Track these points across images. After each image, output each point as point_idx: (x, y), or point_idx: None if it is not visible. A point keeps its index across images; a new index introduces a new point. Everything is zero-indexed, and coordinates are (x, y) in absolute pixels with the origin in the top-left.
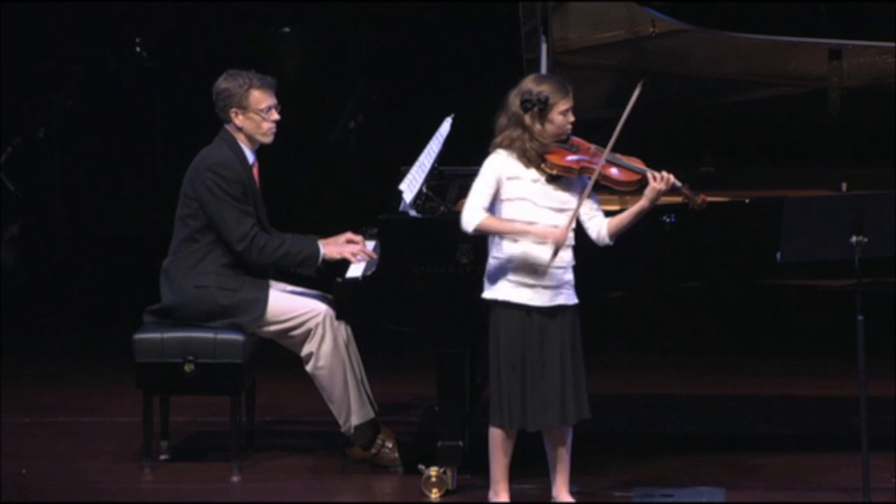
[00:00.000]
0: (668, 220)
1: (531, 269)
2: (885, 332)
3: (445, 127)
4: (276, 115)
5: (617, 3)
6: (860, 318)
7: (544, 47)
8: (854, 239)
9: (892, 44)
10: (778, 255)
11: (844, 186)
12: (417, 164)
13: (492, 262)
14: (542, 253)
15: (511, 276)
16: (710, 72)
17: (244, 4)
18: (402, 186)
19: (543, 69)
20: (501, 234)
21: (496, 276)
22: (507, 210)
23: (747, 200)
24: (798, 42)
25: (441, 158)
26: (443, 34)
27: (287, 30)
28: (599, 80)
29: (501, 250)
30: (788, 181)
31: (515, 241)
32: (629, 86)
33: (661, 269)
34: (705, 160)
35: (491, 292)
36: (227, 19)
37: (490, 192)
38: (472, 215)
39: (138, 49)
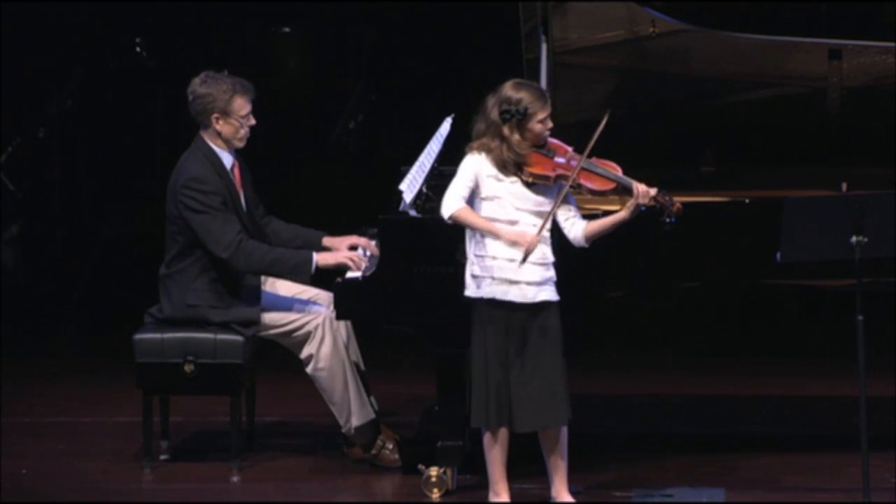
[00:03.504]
0: (668, 220)
1: (513, 267)
2: (885, 332)
3: (445, 127)
4: (252, 121)
5: (617, 3)
6: (860, 318)
7: (544, 47)
8: (854, 239)
9: (892, 44)
10: (778, 255)
11: (844, 186)
12: (417, 164)
13: (474, 260)
14: (518, 252)
15: (495, 274)
16: (710, 72)
17: (244, 4)
18: (402, 186)
19: (543, 69)
20: (473, 229)
21: (479, 275)
22: (485, 208)
23: (747, 200)
24: (798, 42)
25: (441, 158)
26: (443, 34)
27: (287, 30)
28: (599, 80)
29: (483, 248)
30: (788, 181)
31: (496, 237)
32: (629, 86)
33: (661, 269)
34: (705, 160)
35: (474, 291)
36: (227, 19)
37: (469, 185)
38: (451, 202)
39: (138, 49)
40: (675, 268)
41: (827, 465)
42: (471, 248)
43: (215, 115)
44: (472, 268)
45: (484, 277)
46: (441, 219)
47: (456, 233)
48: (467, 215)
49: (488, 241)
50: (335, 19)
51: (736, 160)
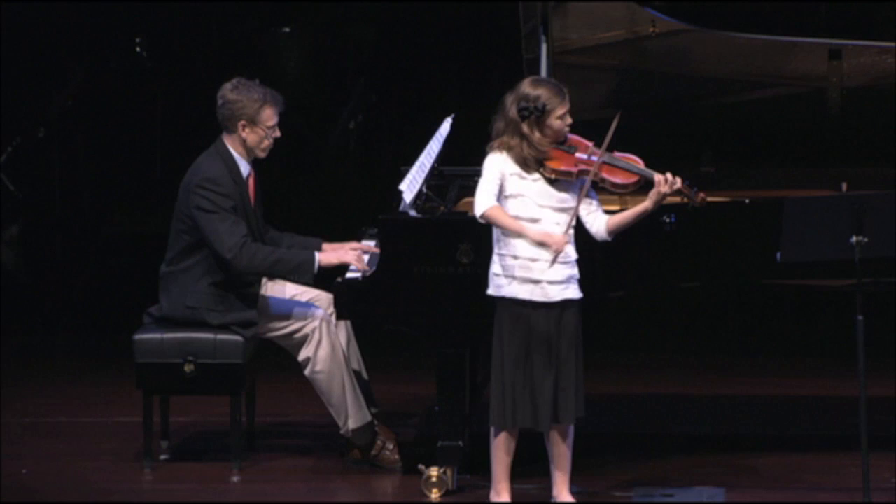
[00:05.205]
0: (668, 220)
1: (537, 266)
2: (885, 332)
3: (445, 127)
4: (278, 133)
5: (617, 3)
6: (860, 318)
7: (544, 47)
8: (854, 239)
9: (892, 44)
10: (778, 255)
11: (844, 186)
12: (417, 164)
13: (497, 258)
14: (545, 252)
15: (518, 273)
16: (710, 72)
17: (244, 4)
18: (402, 186)
19: (543, 69)
20: (502, 228)
21: (503, 273)
22: (509, 206)
23: (747, 200)
24: (798, 42)
25: (441, 158)
26: (443, 34)
27: (287, 30)
28: (599, 80)
29: (506, 247)
30: (788, 181)
31: (520, 236)
32: (629, 86)
33: (661, 269)
34: (705, 160)
35: (498, 289)
36: (227, 19)
37: (497, 184)
38: (483, 201)
39: (138, 49)
40: (675, 268)
41: (827, 465)
42: (494, 247)
43: (243, 122)
44: (494, 266)
45: (506, 276)
46: (441, 219)
47: (456, 233)
48: (499, 215)
49: (511, 239)
50: (335, 19)
51: (736, 160)
